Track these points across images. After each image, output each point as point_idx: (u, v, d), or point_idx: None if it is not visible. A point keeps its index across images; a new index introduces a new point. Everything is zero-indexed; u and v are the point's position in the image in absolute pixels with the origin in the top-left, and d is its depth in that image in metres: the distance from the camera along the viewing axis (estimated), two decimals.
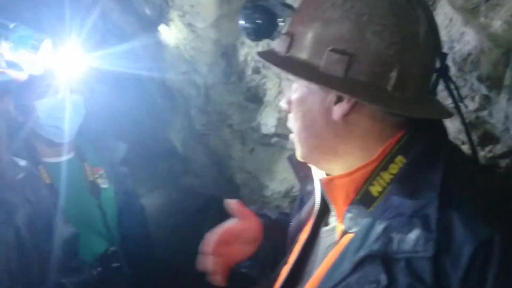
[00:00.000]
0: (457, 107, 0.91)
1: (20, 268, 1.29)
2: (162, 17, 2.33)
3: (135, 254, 1.99)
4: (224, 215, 1.15)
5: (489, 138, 1.31)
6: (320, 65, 0.78)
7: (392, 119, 0.81)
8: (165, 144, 3.03)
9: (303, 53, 0.81)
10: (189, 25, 2.21)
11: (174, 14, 2.22)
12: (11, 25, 1.40)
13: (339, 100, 0.80)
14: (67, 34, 1.76)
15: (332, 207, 0.88)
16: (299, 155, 0.91)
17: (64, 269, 1.47)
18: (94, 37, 1.91)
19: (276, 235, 1.17)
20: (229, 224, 1.12)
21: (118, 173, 2.04)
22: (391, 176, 0.80)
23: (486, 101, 1.27)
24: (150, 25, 2.42)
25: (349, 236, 0.83)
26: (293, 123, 0.89)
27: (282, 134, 2.16)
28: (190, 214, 2.94)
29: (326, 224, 0.95)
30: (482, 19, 1.19)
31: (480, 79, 1.24)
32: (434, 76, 0.87)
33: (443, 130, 0.85)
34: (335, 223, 0.90)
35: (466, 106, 1.25)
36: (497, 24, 1.17)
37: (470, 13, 1.22)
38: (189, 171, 3.10)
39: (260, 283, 1.15)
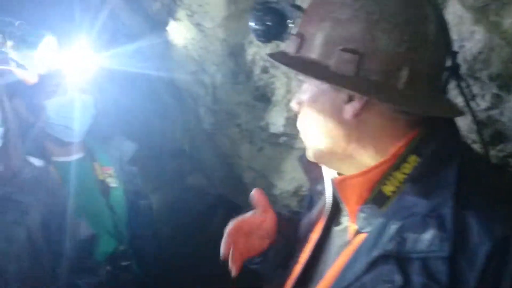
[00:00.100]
0: (468, 106, 0.90)
1: (31, 268, 1.29)
2: (170, 16, 2.33)
3: (143, 253, 2.00)
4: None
5: (500, 137, 1.31)
6: (330, 64, 0.78)
7: (404, 118, 0.81)
8: (173, 144, 3.04)
9: (313, 53, 0.81)
10: (198, 25, 2.21)
11: (182, 14, 2.23)
12: (16, 23, 1.40)
13: (350, 99, 0.80)
14: (77, 33, 1.77)
15: (344, 207, 0.88)
16: (310, 155, 0.90)
17: (79, 270, 1.47)
18: (103, 37, 1.91)
19: (288, 233, 1.17)
20: (250, 215, 1.12)
21: (127, 172, 2.05)
22: (404, 176, 0.79)
23: (497, 100, 1.26)
24: (158, 25, 2.42)
25: (362, 236, 0.83)
26: (303, 123, 0.89)
27: (291, 133, 2.16)
28: (198, 213, 2.95)
29: (338, 224, 0.95)
30: (492, 17, 1.19)
31: (490, 77, 1.24)
32: (445, 75, 0.87)
33: (455, 129, 0.85)
34: (347, 223, 0.90)
35: (478, 105, 1.24)
36: (507, 22, 1.17)
37: (480, 11, 1.21)
38: (197, 171, 3.11)
39: (271, 282, 1.15)
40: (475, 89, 1.27)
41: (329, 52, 0.78)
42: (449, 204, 0.72)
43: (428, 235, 0.72)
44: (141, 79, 2.56)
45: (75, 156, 1.85)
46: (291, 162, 2.27)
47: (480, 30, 1.22)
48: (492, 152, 1.32)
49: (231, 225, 1.09)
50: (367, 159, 0.83)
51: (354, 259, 0.80)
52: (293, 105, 0.91)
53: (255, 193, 1.12)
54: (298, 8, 1.09)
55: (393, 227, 0.76)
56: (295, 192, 2.28)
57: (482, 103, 1.28)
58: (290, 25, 1.12)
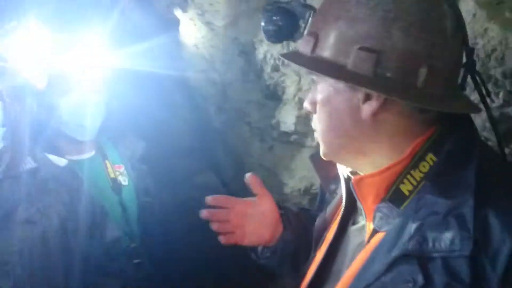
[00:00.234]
0: (484, 102, 0.90)
1: (42, 268, 1.27)
2: (181, 15, 2.34)
3: (154, 250, 2.01)
4: None
5: None
6: (347, 63, 0.77)
7: (421, 116, 0.81)
8: (183, 142, 3.05)
9: (329, 53, 0.80)
10: (208, 24, 2.21)
11: (193, 13, 2.23)
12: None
13: (367, 98, 0.79)
14: (88, 33, 1.78)
15: (361, 206, 0.87)
16: (325, 154, 0.90)
17: (102, 273, 1.44)
18: (114, 36, 1.92)
19: (297, 227, 1.18)
20: (245, 199, 1.15)
21: (137, 170, 2.06)
22: (422, 175, 0.79)
23: (511, 97, 1.25)
24: (169, 24, 2.43)
25: (380, 235, 0.82)
26: (318, 123, 0.88)
27: (301, 131, 2.16)
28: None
29: (354, 223, 0.95)
30: (507, 14, 1.18)
31: (504, 75, 1.23)
32: (461, 71, 0.86)
33: (472, 127, 0.84)
34: (364, 222, 0.89)
35: (493, 101, 1.23)
36: None
37: (494, 8, 1.21)
38: (207, 169, 3.11)
39: (285, 279, 1.16)
40: (488, 87, 1.26)
41: (346, 51, 0.78)
42: (469, 203, 0.72)
43: (449, 234, 0.71)
44: (152, 78, 2.56)
45: (87, 155, 1.86)
46: (301, 161, 2.27)
47: (494, 27, 1.21)
48: (506, 150, 1.32)
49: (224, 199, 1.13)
50: (382, 157, 0.83)
51: (373, 259, 0.79)
52: (306, 105, 0.91)
53: (249, 178, 1.14)
54: (310, 7, 1.09)
55: (412, 226, 0.75)
56: (306, 191, 2.28)
57: (495, 101, 1.28)
58: (301, 24, 1.12)
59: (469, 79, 0.89)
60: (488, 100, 0.91)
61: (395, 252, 0.75)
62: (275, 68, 2.12)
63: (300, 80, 2.04)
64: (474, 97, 1.01)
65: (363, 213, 0.88)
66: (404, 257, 0.73)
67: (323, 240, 1.02)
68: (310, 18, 1.02)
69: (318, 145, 0.93)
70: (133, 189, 2.00)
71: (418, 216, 0.76)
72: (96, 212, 1.48)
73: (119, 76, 1.99)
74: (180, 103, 2.90)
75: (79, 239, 1.38)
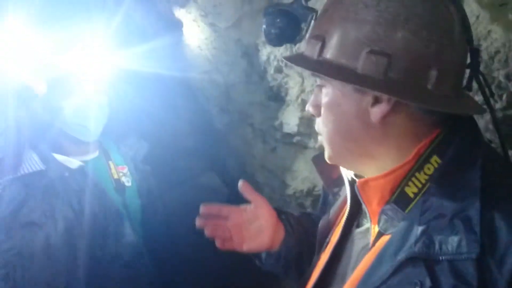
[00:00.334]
0: (488, 104, 0.90)
1: (44, 274, 1.25)
2: (184, 17, 2.34)
3: (157, 251, 2.01)
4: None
5: None
6: (358, 67, 0.77)
7: (428, 119, 0.80)
8: (186, 143, 3.05)
9: (338, 56, 0.80)
10: (211, 25, 2.22)
11: (196, 14, 2.24)
12: None
13: (376, 102, 0.79)
14: (92, 34, 1.79)
15: (366, 208, 0.87)
16: (330, 158, 0.90)
17: (114, 279, 1.42)
18: (118, 37, 1.93)
19: (299, 232, 1.17)
20: (238, 206, 1.15)
21: (140, 171, 2.07)
22: (427, 177, 0.79)
23: None
24: (172, 25, 2.43)
25: (385, 238, 0.82)
26: (323, 126, 0.87)
27: (304, 133, 2.16)
28: None
29: (358, 226, 0.94)
30: (510, 16, 1.18)
31: (508, 77, 1.23)
32: (467, 72, 0.86)
33: (476, 128, 0.84)
34: (369, 225, 0.89)
35: (496, 101, 1.23)
36: None
37: (498, 10, 1.21)
38: (210, 170, 3.12)
39: (289, 282, 1.16)
40: (492, 88, 1.27)
41: (355, 55, 0.77)
42: (475, 205, 0.72)
43: (456, 237, 0.71)
44: (155, 79, 2.57)
45: (91, 155, 1.87)
46: (304, 162, 2.27)
47: (497, 29, 1.21)
48: (509, 153, 1.31)
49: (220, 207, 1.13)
50: (388, 160, 0.82)
51: (379, 262, 0.79)
52: (309, 108, 0.90)
53: (241, 185, 1.13)
54: (312, 10, 1.09)
55: (418, 229, 0.75)
56: (309, 192, 2.28)
57: (498, 103, 1.28)
58: (303, 27, 1.11)
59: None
60: (491, 101, 0.91)
61: (402, 255, 0.74)
62: (278, 70, 2.12)
63: (303, 81, 2.04)
64: (477, 98, 1.01)
65: (368, 215, 0.88)
66: (411, 260, 0.73)
67: (327, 243, 1.01)
68: (313, 21, 1.01)
69: (320, 147, 0.92)
70: (136, 190, 2.00)
71: (424, 219, 0.75)
72: (109, 216, 1.45)
73: (123, 77, 2.00)
74: (183, 104, 2.91)
75: (87, 244, 1.36)
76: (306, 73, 1.88)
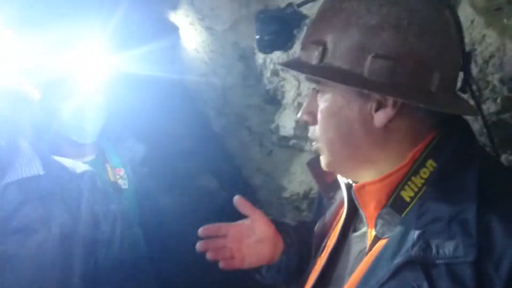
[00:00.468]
0: (478, 105, 0.90)
1: (36, 280, 1.22)
2: (182, 20, 2.35)
3: (155, 253, 2.01)
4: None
5: (511, 140, 1.31)
6: (364, 72, 0.77)
7: (427, 123, 0.81)
8: (183, 146, 3.05)
9: (342, 61, 0.79)
10: (208, 28, 2.23)
11: (193, 17, 2.25)
12: None
13: (379, 107, 0.79)
14: (90, 36, 1.79)
15: (363, 213, 0.87)
16: (328, 164, 0.89)
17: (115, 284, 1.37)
18: (115, 39, 1.93)
19: (297, 241, 1.16)
20: (236, 222, 1.14)
21: (137, 174, 2.07)
22: (423, 181, 0.79)
23: (508, 103, 1.26)
24: (170, 28, 2.44)
25: (382, 242, 0.82)
26: (322, 133, 0.86)
27: (301, 136, 2.17)
28: (207, 215, 2.95)
29: (355, 230, 0.94)
30: (504, 21, 1.19)
31: (502, 81, 1.24)
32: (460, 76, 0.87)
33: (471, 132, 0.85)
34: (366, 229, 0.88)
35: (483, 100, 1.24)
36: None
37: (492, 15, 1.22)
38: (207, 173, 3.12)
39: None
40: (486, 92, 1.28)
41: (360, 60, 0.77)
42: (472, 209, 0.72)
43: (453, 241, 0.71)
44: (152, 81, 2.58)
45: (88, 158, 1.87)
46: (301, 165, 2.28)
47: (492, 34, 1.22)
48: (503, 156, 1.33)
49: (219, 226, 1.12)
50: (387, 165, 0.82)
51: (376, 266, 0.79)
52: (304, 116, 0.89)
53: (237, 201, 1.12)
54: (304, 16, 1.08)
55: (415, 233, 0.75)
56: (305, 195, 2.29)
57: (493, 107, 1.29)
58: (295, 34, 1.10)
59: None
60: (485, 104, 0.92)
61: (399, 259, 0.74)
62: (275, 73, 2.13)
63: (299, 85, 2.05)
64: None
65: (365, 220, 0.87)
66: (408, 264, 0.73)
67: (324, 247, 1.00)
68: (306, 27, 0.99)
69: (316, 151, 0.91)
70: (134, 192, 2.00)
71: (421, 223, 0.76)
72: (115, 223, 1.40)
73: (120, 80, 2.00)
74: (180, 107, 2.91)
75: (86, 251, 1.31)
76: (303, 76, 1.89)
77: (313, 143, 0.90)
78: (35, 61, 1.51)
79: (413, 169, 0.80)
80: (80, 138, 1.79)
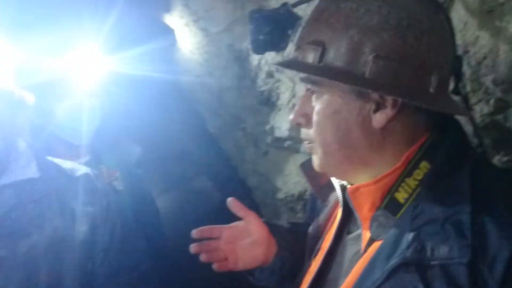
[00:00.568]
0: (468, 108, 0.91)
1: (26, 283, 1.18)
2: (177, 21, 2.35)
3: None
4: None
5: (503, 142, 1.32)
6: (365, 72, 0.76)
7: (421, 124, 0.81)
8: (178, 147, 3.06)
9: (342, 62, 0.79)
10: (204, 30, 2.23)
11: (188, 19, 2.25)
12: None
13: (378, 108, 0.79)
14: (85, 37, 1.79)
15: (357, 215, 0.87)
16: (322, 166, 0.88)
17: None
18: (110, 41, 1.93)
19: (291, 243, 1.16)
20: (230, 224, 1.14)
21: (133, 175, 2.06)
22: (417, 182, 0.79)
23: (502, 105, 1.27)
24: (165, 30, 2.44)
25: (376, 244, 0.82)
26: (317, 135, 0.85)
27: (296, 137, 2.17)
28: (202, 217, 2.95)
29: (350, 232, 0.93)
30: (497, 23, 1.20)
31: (495, 82, 1.25)
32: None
33: (463, 133, 0.85)
34: (360, 231, 0.88)
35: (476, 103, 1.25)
36: None
37: (485, 16, 1.23)
38: (202, 174, 3.13)
39: None
40: (479, 94, 1.29)
41: (361, 60, 0.77)
42: (466, 210, 0.72)
43: (447, 242, 0.71)
44: (148, 82, 2.58)
45: (83, 159, 1.86)
46: (295, 166, 2.28)
47: (485, 35, 1.23)
48: (496, 157, 1.33)
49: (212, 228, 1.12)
50: (382, 166, 0.82)
51: (371, 268, 0.79)
52: (297, 118, 0.88)
53: (231, 203, 1.12)
54: (298, 17, 1.08)
55: (410, 234, 0.75)
56: (300, 196, 2.29)
57: (486, 108, 1.29)
58: (289, 34, 1.09)
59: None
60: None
61: (394, 261, 0.74)
62: (270, 74, 2.13)
63: (294, 86, 2.06)
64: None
65: (359, 222, 0.87)
66: (403, 266, 0.73)
67: (318, 249, 1.00)
68: (300, 27, 0.99)
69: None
70: (129, 194, 2.00)
71: (415, 224, 0.76)
72: (115, 229, 1.36)
73: (115, 81, 2.00)
74: (176, 108, 2.91)
75: (80, 257, 1.29)
76: (297, 78, 1.89)
77: (305, 143, 0.90)
78: (30, 63, 1.51)
79: (407, 171, 0.80)
80: (74, 140, 1.79)
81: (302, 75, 0.86)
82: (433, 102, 0.76)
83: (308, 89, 0.87)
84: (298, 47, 0.85)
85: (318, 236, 1.04)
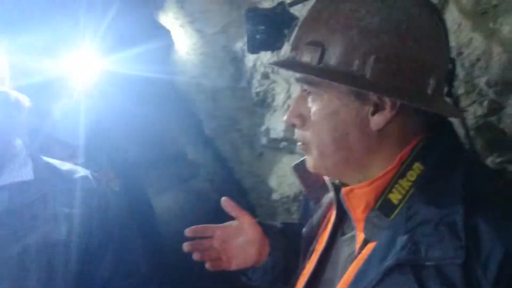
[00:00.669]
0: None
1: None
2: (172, 22, 2.36)
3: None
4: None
5: (497, 143, 1.32)
6: (365, 74, 0.76)
7: (416, 126, 0.81)
8: (174, 148, 3.05)
9: (342, 63, 0.78)
10: (199, 31, 2.23)
11: (184, 20, 2.25)
12: None
13: (376, 109, 0.78)
14: (82, 38, 1.79)
15: (351, 216, 0.86)
16: (315, 166, 0.88)
17: None
18: (106, 42, 1.93)
19: (284, 243, 1.16)
20: (226, 224, 1.14)
21: (128, 176, 2.07)
22: (410, 183, 0.79)
23: (495, 106, 1.28)
24: (161, 31, 2.45)
25: (371, 245, 0.81)
26: (314, 136, 0.84)
27: (291, 138, 2.17)
28: (199, 217, 2.95)
29: (344, 233, 0.93)
30: (491, 25, 1.21)
31: (488, 84, 1.25)
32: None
33: (455, 134, 0.86)
34: (354, 232, 0.87)
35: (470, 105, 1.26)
36: (506, 30, 1.19)
37: (479, 18, 1.23)
38: (198, 175, 3.12)
39: None
40: (473, 96, 1.29)
41: (362, 62, 0.76)
42: (459, 211, 0.72)
43: (441, 243, 0.71)
44: (143, 83, 2.58)
45: (79, 159, 1.87)
46: (291, 167, 2.28)
47: (479, 37, 1.24)
48: (490, 158, 1.34)
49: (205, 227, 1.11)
50: (377, 168, 0.82)
51: (366, 269, 0.79)
52: (292, 119, 0.86)
53: (224, 202, 1.11)
54: (295, 17, 1.08)
55: (404, 236, 0.75)
56: (295, 197, 2.29)
57: (479, 110, 1.30)
58: (286, 34, 1.09)
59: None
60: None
61: (388, 262, 0.74)
62: (265, 76, 2.13)
63: (289, 87, 2.06)
64: None
65: (353, 223, 0.87)
66: (398, 267, 0.73)
67: (312, 251, 0.99)
68: (297, 27, 0.98)
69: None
70: (124, 195, 2.00)
71: (409, 225, 0.76)
72: (111, 234, 1.32)
73: (111, 81, 2.00)
74: (171, 109, 2.91)
75: (75, 262, 1.24)
76: (293, 79, 1.90)
77: (299, 144, 0.89)
78: (26, 63, 1.51)
79: (400, 172, 0.80)
80: (70, 140, 1.79)
81: (298, 75, 0.85)
82: (431, 104, 0.76)
83: (304, 90, 0.86)
84: (295, 47, 0.84)
85: (312, 237, 1.03)
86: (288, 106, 2.07)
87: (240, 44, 2.17)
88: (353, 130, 0.80)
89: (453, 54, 1.25)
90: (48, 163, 1.33)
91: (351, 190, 0.83)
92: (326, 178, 0.95)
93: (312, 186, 1.04)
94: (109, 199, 1.37)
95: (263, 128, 2.30)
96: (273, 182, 2.41)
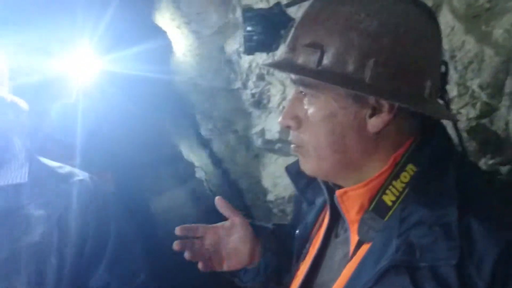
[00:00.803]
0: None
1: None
2: (169, 23, 2.36)
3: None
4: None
5: (489, 145, 1.33)
6: (364, 77, 0.76)
7: (410, 128, 0.82)
8: (170, 149, 3.06)
9: (341, 66, 0.78)
10: (195, 32, 2.24)
11: (180, 21, 2.26)
12: None
13: (374, 112, 0.79)
14: (80, 39, 1.79)
15: (345, 218, 0.86)
16: (311, 169, 0.88)
17: None
18: (104, 42, 1.93)
19: (276, 244, 1.15)
20: (217, 224, 1.13)
21: (125, 177, 2.07)
22: (403, 185, 0.80)
23: (487, 108, 1.29)
24: (158, 32, 2.45)
25: (365, 247, 0.82)
26: (311, 138, 0.84)
27: (286, 140, 2.18)
28: (195, 219, 2.95)
29: (338, 235, 0.93)
30: (483, 28, 1.22)
31: (481, 86, 1.27)
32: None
33: (448, 136, 0.86)
34: (348, 234, 0.88)
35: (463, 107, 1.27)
36: (498, 33, 1.20)
37: (472, 21, 1.25)
38: (194, 176, 3.13)
39: None
40: (466, 98, 1.31)
41: (361, 64, 0.76)
42: (453, 212, 0.73)
43: (435, 244, 0.72)
44: (140, 85, 2.58)
45: (76, 160, 1.87)
46: (284, 169, 2.29)
47: (471, 40, 1.25)
48: (482, 160, 1.35)
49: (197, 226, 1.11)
50: (372, 170, 0.83)
51: (360, 271, 0.79)
52: (288, 121, 0.86)
53: (217, 202, 1.11)
54: (291, 18, 1.07)
55: (398, 237, 0.75)
56: (291, 198, 2.29)
57: (472, 112, 1.31)
58: (283, 35, 1.09)
59: None
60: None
61: (383, 263, 0.75)
62: (261, 77, 2.14)
63: (285, 89, 2.07)
64: None
65: (347, 225, 0.87)
66: (393, 268, 0.74)
67: (306, 253, 1.00)
68: (293, 28, 0.98)
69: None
70: (121, 196, 2.00)
71: (404, 227, 0.76)
72: (108, 240, 1.31)
73: (109, 81, 2.00)
74: (168, 110, 2.91)
75: (69, 268, 1.24)
76: (288, 80, 1.91)
77: (292, 146, 0.89)
78: (24, 63, 1.51)
79: (394, 173, 0.80)
80: (68, 140, 1.79)
81: (294, 77, 0.84)
82: (428, 107, 0.77)
83: (299, 92, 0.85)
84: (292, 48, 0.83)
85: (306, 238, 1.03)
86: (283, 108, 2.08)
87: (236, 46, 2.18)
88: (350, 133, 0.80)
89: (446, 57, 1.26)
90: (46, 166, 1.32)
91: (345, 192, 0.84)
92: (320, 180, 0.95)
93: (304, 187, 1.04)
94: (108, 203, 1.35)
95: (259, 129, 2.30)
96: (268, 183, 2.42)
